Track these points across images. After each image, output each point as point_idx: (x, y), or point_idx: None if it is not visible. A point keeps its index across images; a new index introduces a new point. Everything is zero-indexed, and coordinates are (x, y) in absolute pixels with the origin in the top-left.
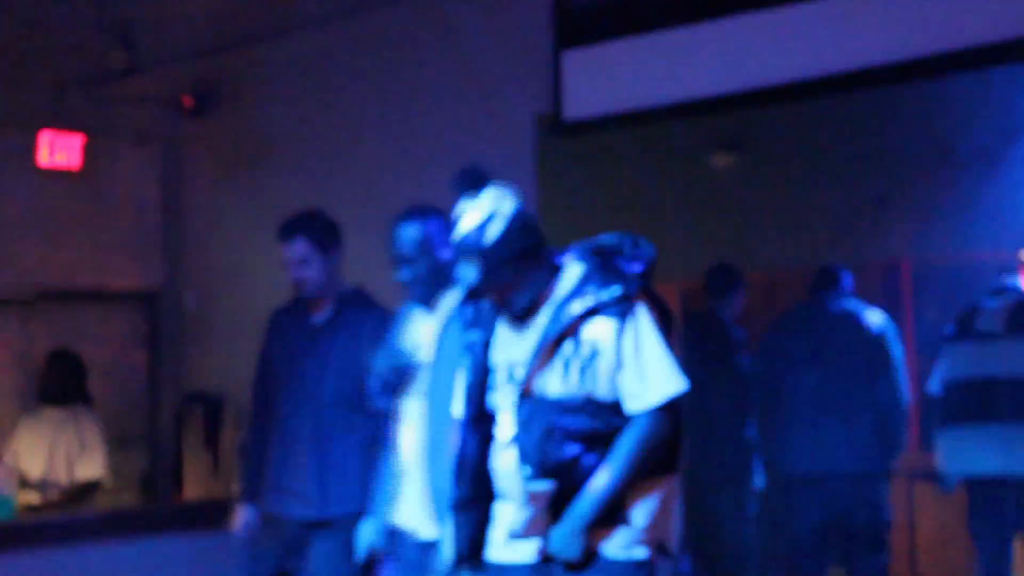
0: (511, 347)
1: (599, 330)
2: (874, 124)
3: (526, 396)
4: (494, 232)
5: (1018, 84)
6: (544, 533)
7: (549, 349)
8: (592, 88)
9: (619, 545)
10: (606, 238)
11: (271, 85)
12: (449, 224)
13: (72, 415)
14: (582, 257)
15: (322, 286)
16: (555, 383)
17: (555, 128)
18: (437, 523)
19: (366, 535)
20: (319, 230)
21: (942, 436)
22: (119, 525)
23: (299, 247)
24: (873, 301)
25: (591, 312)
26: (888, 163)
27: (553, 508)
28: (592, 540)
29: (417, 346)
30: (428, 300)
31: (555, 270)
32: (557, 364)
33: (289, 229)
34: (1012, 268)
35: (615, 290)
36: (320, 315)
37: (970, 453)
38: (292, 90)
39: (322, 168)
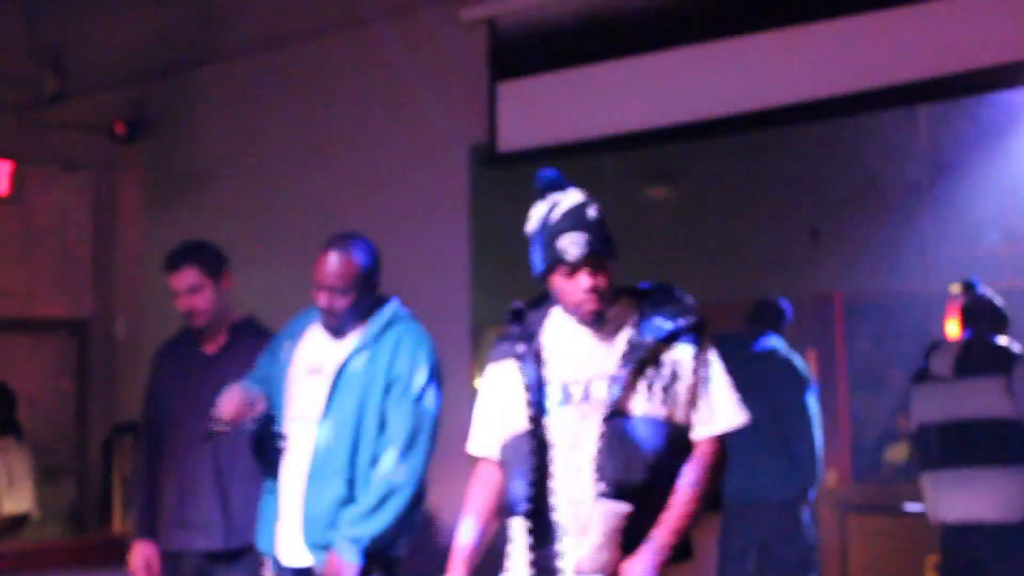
0: (575, 364)
1: (679, 354)
2: (806, 158)
3: (611, 414)
4: (595, 211)
5: (946, 121)
6: (611, 562)
7: (637, 367)
8: (527, 120)
9: None
10: (653, 285)
11: (203, 112)
12: (375, 253)
13: (1, 447)
14: (642, 285)
15: (214, 315)
16: (640, 403)
17: (489, 159)
18: (312, 551)
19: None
20: (208, 258)
21: (923, 479)
22: (45, 559)
23: (188, 276)
24: (805, 333)
25: (674, 335)
26: (820, 197)
27: (625, 533)
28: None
29: (300, 364)
30: (341, 329)
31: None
32: (642, 384)
33: (176, 259)
34: (942, 302)
35: (691, 317)
36: (212, 345)
37: (937, 498)
38: (224, 118)
39: (254, 196)
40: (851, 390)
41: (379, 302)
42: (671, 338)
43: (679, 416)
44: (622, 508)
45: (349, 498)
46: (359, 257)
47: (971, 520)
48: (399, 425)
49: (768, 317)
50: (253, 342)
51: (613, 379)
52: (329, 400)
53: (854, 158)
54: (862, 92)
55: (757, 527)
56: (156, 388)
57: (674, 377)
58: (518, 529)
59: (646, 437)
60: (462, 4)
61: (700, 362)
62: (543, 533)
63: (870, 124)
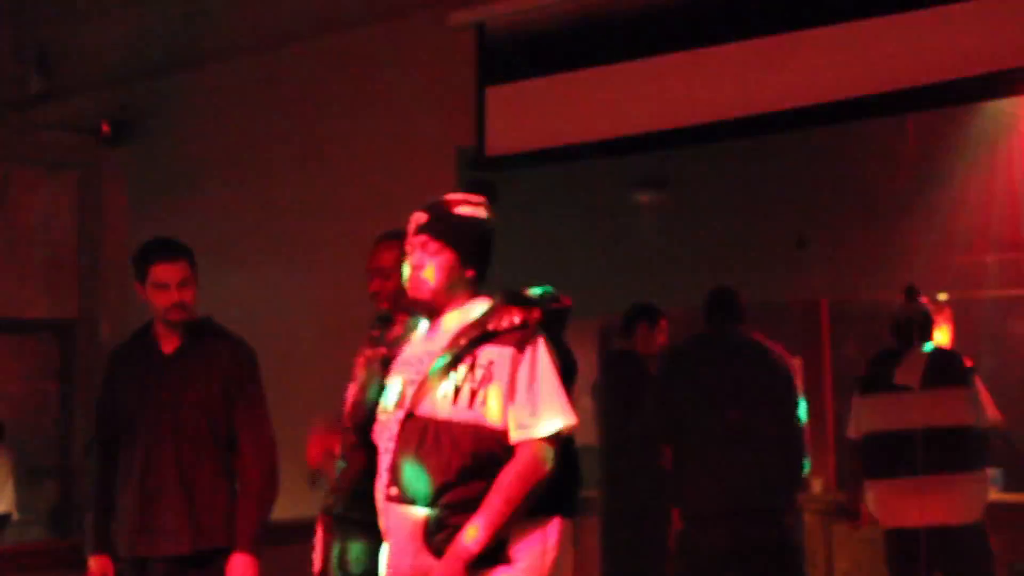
0: (407, 367)
1: (495, 355)
2: (794, 165)
3: (411, 416)
4: (470, 211)
5: (934, 129)
6: (417, 568)
7: (443, 370)
8: (514, 124)
9: None
10: (533, 290)
11: (189, 114)
12: None
13: None
14: (497, 295)
15: (192, 311)
16: (445, 405)
17: (477, 163)
18: None
19: (236, 569)
20: (192, 256)
21: (869, 486)
22: (27, 561)
23: (183, 268)
24: (792, 338)
25: (489, 337)
26: (808, 204)
27: (426, 538)
28: None
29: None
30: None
31: (474, 296)
32: (448, 386)
33: (174, 249)
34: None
35: (515, 319)
36: (169, 345)
37: (890, 504)
38: (210, 119)
39: (239, 198)
40: (837, 397)
41: None
42: (486, 338)
43: (491, 420)
44: (415, 513)
45: None
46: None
47: (944, 523)
48: None
49: (731, 307)
50: (210, 342)
51: (412, 382)
52: None
53: (842, 165)
54: (850, 100)
55: (742, 533)
56: (112, 392)
57: (486, 379)
58: (318, 529)
59: (447, 442)
60: (450, 8)
61: (521, 363)
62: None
63: (858, 132)
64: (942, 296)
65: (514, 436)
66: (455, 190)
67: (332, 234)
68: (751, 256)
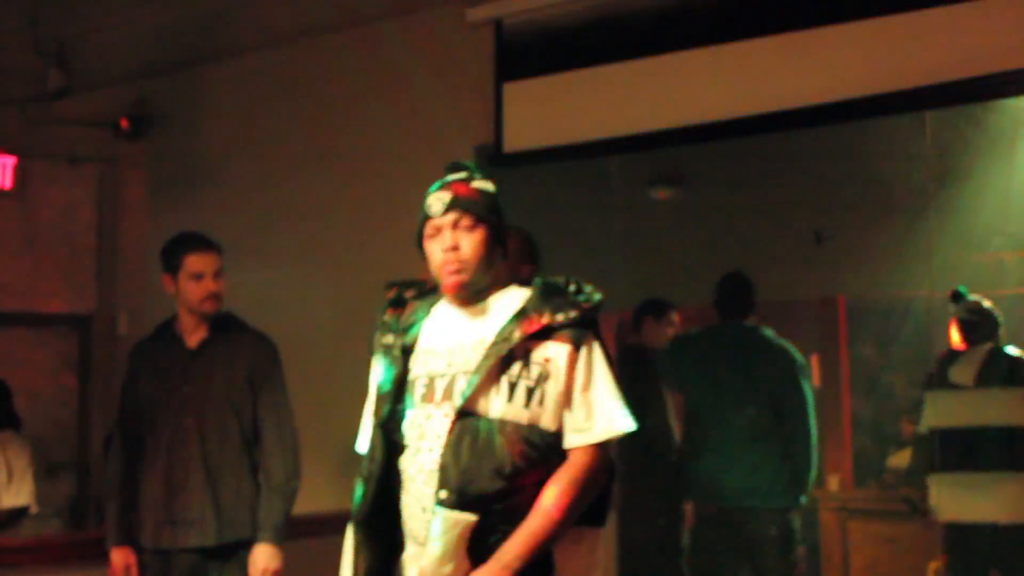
0: (439, 358)
1: (552, 352)
2: (812, 162)
3: (462, 415)
4: (483, 183)
5: (953, 126)
6: (456, 575)
7: (496, 365)
8: (532, 121)
9: None
10: (556, 278)
11: (207, 108)
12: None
13: (0, 441)
14: (535, 283)
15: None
16: (498, 404)
17: (495, 160)
18: None
19: (260, 560)
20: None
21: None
22: (44, 555)
23: (217, 259)
24: (809, 335)
25: (546, 332)
26: (825, 201)
27: (472, 546)
28: None
29: None
30: None
31: (509, 282)
32: (503, 383)
33: (208, 241)
34: (946, 307)
35: (572, 314)
36: (194, 339)
37: (943, 499)
38: (228, 114)
39: (258, 192)
40: (853, 394)
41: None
42: (544, 334)
43: (546, 422)
44: (466, 518)
45: None
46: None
47: (983, 521)
48: None
49: (741, 298)
50: (234, 336)
51: (444, 375)
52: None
53: (860, 162)
54: (869, 97)
55: (748, 533)
56: (135, 384)
57: (543, 377)
58: (348, 537)
59: (501, 443)
60: (469, 4)
61: (578, 362)
62: (383, 542)
63: (876, 129)
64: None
65: (569, 440)
66: None
67: (350, 229)
68: (768, 253)
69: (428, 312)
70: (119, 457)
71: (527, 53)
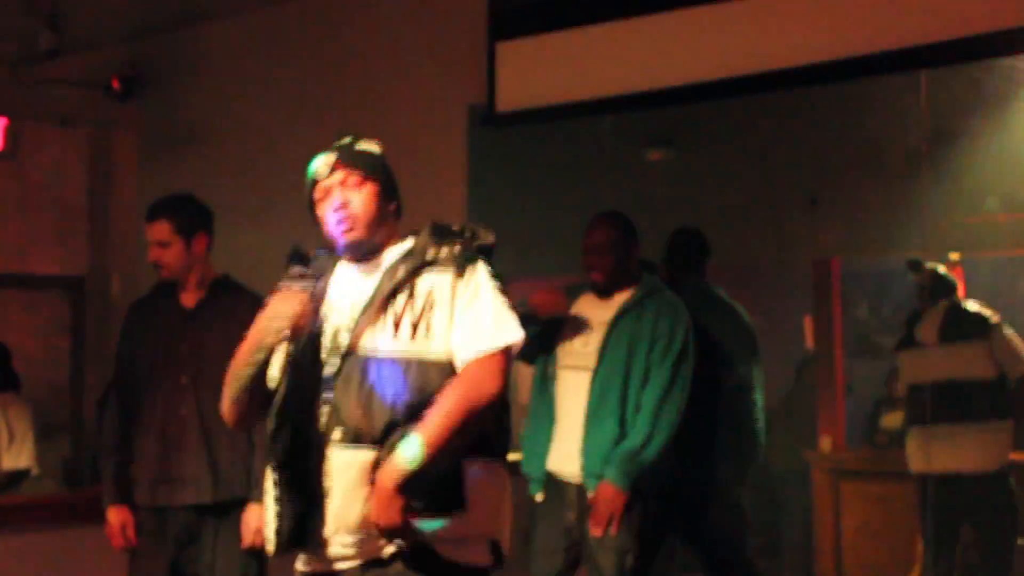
0: (341, 314)
1: (434, 282)
2: (806, 123)
3: (350, 353)
4: (369, 145)
5: (947, 86)
6: (364, 515)
7: (381, 304)
8: (525, 80)
9: (453, 542)
10: (448, 224)
11: (200, 69)
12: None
13: (0, 403)
14: (425, 227)
15: (180, 271)
16: (385, 340)
17: (488, 119)
18: (588, 479)
19: (253, 520)
20: (185, 214)
21: (907, 436)
22: (40, 514)
23: (159, 230)
24: (803, 298)
25: (428, 264)
26: (819, 162)
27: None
28: (423, 528)
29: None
30: (608, 290)
31: (404, 235)
32: (388, 319)
33: (153, 210)
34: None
35: (456, 248)
36: (191, 299)
37: (911, 452)
38: (221, 74)
39: (250, 153)
40: (847, 356)
41: (639, 272)
42: (426, 266)
43: (437, 351)
44: (362, 456)
45: (620, 437)
46: (621, 228)
47: (958, 471)
48: (660, 378)
49: (692, 251)
50: (232, 297)
51: (347, 328)
52: (602, 351)
53: (854, 123)
54: (862, 56)
55: (693, 508)
56: (131, 342)
57: (428, 307)
58: (268, 488)
59: (390, 377)
60: None
61: (460, 285)
62: (295, 491)
63: (870, 89)
64: (953, 256)
65: (459, 359)
66: (465, 146)
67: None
68: (762, 215)
69: (332, 271)
70: (115, 415)
71: (520, 12)
